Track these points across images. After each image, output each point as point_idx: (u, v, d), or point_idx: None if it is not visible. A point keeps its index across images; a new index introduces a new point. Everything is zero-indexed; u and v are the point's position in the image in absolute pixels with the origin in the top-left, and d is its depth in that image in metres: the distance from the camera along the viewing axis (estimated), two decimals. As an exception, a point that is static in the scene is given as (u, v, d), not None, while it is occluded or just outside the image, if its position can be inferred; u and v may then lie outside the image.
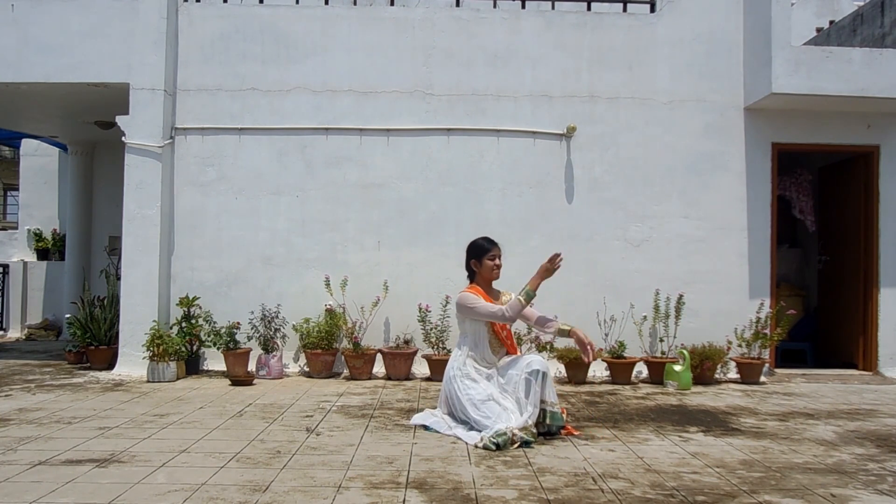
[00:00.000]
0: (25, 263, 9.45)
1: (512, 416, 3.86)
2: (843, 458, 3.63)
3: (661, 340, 6.30)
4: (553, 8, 6.84)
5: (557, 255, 4.04)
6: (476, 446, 3.73)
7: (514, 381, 3.98)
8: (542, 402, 3.95)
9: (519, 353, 4.33)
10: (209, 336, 6.10)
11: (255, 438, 3.87)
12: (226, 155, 6.46)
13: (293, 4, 6.61)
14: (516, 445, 3.74)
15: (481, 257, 4.20)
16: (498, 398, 3.96)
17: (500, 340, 4.22)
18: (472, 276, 4.30)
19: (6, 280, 9.43)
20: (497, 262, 4.21)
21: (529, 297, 4.03)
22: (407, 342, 6.24)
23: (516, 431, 3.76)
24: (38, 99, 6.90)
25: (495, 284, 4.33)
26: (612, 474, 3.28)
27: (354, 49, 6.49)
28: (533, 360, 4.01)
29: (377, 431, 4.09)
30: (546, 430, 3.95)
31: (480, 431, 3.84)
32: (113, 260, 8.35)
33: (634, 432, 4.14)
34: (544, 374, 3.94)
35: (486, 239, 4.29)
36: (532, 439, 3.79)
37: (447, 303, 6.10)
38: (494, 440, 3.70)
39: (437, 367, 6.01)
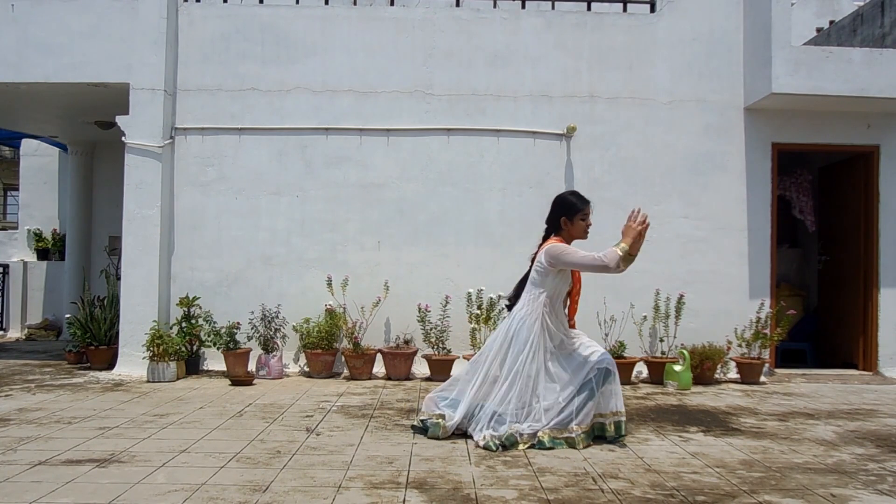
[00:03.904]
0: (25, 263, 9.45)
1: (543, 417, 3.78)
2: (843, 458, 3.63)
3: (661, 340, 6.30)
4: (553, 8, 6.84)
5: (638, 211, 3.62)
6: (477, 444, 3.73)
7: (574, 373, 3.84)
8: (601, 415, 3.85)
9: (575, 327, 4.10)
10: (209, 336, 6.10)
11: (255, 438, 3.87)
12: (226, 155, 6.45)
13: (293, 4, 6.61)
14: (526, 446, 3.73)
15: (573, 215, 3.89)
16: (541, 392, 3.82)
17: (568, 305, 4.02)
18: (555, 232, 3.97)
19: (6, 280, 9.42)
20: (589, 221, 3.94)
21: (625, 252, 3.55)
22: (407, 342, 6.24)
23: (524, 432, 3.73)
24: (38, 99, 6.89)
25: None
26: (612, 474, 3.28)
27: (354, 49, 6.49)
28: (604, 358, 3.84)
29: (377, 431, 4.09)
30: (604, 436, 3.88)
31: (484, 419, 3.80)
32: (113, 260, 8.35)
33: (634, 432, 4.14)
34: (609, 373, 3.82)
35: (577, 195, 3.96)
36: (549, 445, 3.71)
37: (447, 303, 6.10)
38: (501, 442, 3.67)
39: (437, 367, 6.02)
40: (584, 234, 3.96)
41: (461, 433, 3.93)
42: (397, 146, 6.47)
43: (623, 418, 3.90)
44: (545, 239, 4.02)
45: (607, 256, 3.59)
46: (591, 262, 3.66)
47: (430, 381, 5.98)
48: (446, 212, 6.45)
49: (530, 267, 4.02)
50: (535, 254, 4.01)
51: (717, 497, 2.97)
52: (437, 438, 3.86)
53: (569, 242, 3.93)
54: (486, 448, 3.67)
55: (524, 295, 3.96)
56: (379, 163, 6.46)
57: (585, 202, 3.94)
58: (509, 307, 4.09)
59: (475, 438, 3.78)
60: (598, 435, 3.88)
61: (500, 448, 3.66)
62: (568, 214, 3.92)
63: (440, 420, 3.91)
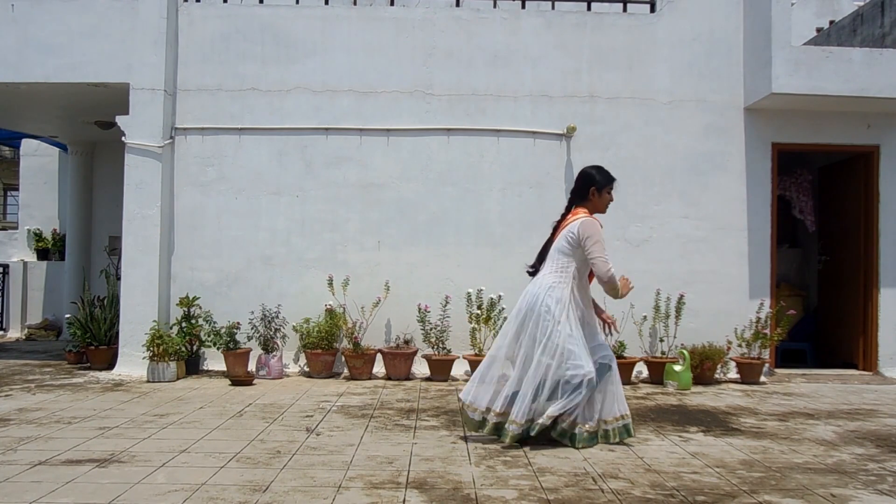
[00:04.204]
0: (25, 263, 9.45)
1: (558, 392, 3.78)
2: (843, 458, 3.63)
3: (661, 340, 6.30)
4: (553, 8, 6.84)
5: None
6: (516, 421, 3.69)
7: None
8: (605, 421, 3.85)
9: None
10: (209, 336, 6.10)
11: (255, 438, 3.87)
12: (226, 155, 6.45)
13: (293, 4, 6.61)
14: (538, 430, 3.73)
15: (602, 188, 3.99)
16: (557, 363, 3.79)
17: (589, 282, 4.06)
18: (579, 202, 4.03)
19: (6, 280, 9.42)
20: (613, 196, 4.07)
21: (620, 290, 3.92)
22: (407, 342, 6.24)
23: (548, 412, 3.72)
24: (38, 99, 6.89)
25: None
26: (612, 474, 3.28)
27: (354, 49, 6.49)
28: (605, 353, 3.91)
29: (377, 431, 4.09)
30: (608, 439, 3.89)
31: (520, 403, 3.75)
32: (113, 260, 8.36)
33: (635, 432, 4.13)
34: (609, 369, 3.86)
35: (605, 170, 4.06)
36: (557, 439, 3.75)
37: (447, 303, 6.10)
38: (523, 434, 3.70)
39: (437, 368, 6.02)
40: (605, 209, 4.07)
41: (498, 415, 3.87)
42: (397, 146, 6.47)
43: (629, 420, 3.90)
44: (568, 209, 4.07)
45: (613, 277, 3.82)
46: (603, 267, 3.80)
47: (430, 381, 5.98)
48: (446, 212, 6.45)
49: (551, 235, 4.05)
50: (559, 223, 4.04)
51: (717, 497, 2.97)
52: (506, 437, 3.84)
53: (591, 213, 3.99)
54: (516, 432, 3.68)
55: (550, 263, 3.95)
56: (379, 163, 6.46)
57: (612, 178, 4.07)
58: (531, 274, 4.08)
59: (512, 418, 3.72)
60: (601, 442, 3.86)
61: (527, 435, 3.69)
62: (597, 186, 4.01)
63: (489, 418, 3.86)
